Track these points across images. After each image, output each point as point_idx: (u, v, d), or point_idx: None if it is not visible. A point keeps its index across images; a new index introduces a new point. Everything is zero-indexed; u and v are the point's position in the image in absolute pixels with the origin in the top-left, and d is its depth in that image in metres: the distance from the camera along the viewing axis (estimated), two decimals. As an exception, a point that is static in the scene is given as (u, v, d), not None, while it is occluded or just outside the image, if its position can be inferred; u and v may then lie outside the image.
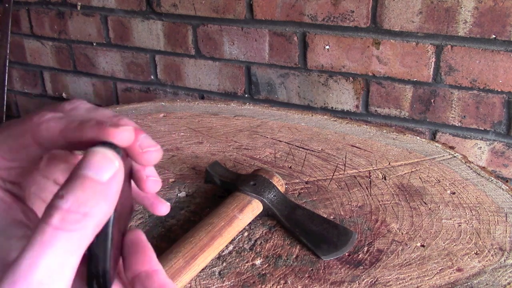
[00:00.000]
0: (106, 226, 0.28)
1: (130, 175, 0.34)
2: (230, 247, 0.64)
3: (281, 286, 0.57)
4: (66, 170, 0.39)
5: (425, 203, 0.73)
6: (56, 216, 0.26)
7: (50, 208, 0.26)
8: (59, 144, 0.32)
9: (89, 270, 0.28)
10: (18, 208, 0.35)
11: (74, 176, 0.27)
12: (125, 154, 0.31)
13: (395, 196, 0.75)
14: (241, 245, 0.64)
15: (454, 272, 0.59)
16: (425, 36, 1.15)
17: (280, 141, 0.93)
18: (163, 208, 0.40)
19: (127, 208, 0.34)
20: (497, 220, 0.69)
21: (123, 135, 0.30)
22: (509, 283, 0.57)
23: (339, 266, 0.60)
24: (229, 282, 0.58)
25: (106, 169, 0.28)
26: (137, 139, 0.32)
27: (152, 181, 0.35)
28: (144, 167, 0.35)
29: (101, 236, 0.28)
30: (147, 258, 0.32)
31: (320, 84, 1.31)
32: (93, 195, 0.27)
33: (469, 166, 0.83)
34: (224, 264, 0.61)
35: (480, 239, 0.65)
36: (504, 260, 0.61)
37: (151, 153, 0.32)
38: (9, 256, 0.31)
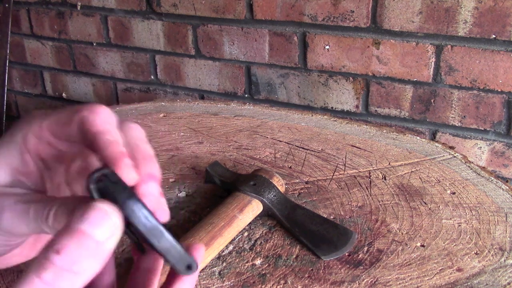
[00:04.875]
0: None
1: None
2: (230, 247, 0.64)
3: (281, 286, 0.57)
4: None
5: (425, 203, 0.73)
6: (49, 271, 0.25)
7: (44, 259, 0.26)
8: (88, 141, 0.33)
9: None
10: (35, 178, 0.36)
11: (71, 229, 0.27)
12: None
13: (395, 196, 0.75)
14: (241, 245, 0.64)
15: (454, 272, 0.59)
16: (425, 36, 1.15)
17: (280, 141, 0.93)
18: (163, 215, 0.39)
19: None
20: (497, 220, 0.69)
21: (130, 174, 0.31)
22: (509, 283, 0.57)
23: (339, 266, 0.60)
24: (229, 282, 0.58)
25: (104, 227, 0.27)
26: (146, 181, 0.33)
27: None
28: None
29: None
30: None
31: (320, 84, 1.31)
32: (87, 254, 0.26)
33: (469, 166, 0.83)
34: (224, 264, 0.61)
35: (480, 239, 0.65)
36: (504, 260, 0.61)
37: (149, 199, 0.33)
38: None
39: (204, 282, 0.58)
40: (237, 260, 0.62)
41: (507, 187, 0.76)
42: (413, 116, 1.24)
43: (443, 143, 0.92)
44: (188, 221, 0.69)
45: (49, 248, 0.26)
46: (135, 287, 0.35)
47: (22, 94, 1.87)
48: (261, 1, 1.28)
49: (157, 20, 1.45)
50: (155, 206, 0.34)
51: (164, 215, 0.35)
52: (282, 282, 0.58)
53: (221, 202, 0.67)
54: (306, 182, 0.79)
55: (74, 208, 0.32)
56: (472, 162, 0.84)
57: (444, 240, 0.65)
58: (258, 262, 0.61)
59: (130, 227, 0.32)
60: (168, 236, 0.32)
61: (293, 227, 0.66)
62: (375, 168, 0.83)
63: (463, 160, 0.85)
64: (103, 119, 0.34)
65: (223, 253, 0.62)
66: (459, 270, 0.60)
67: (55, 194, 0.40)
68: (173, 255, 0.32)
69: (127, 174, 0.31)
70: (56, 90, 1.77)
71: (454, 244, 0.64)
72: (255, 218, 0.68)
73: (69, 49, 1.66)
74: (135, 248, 0.33)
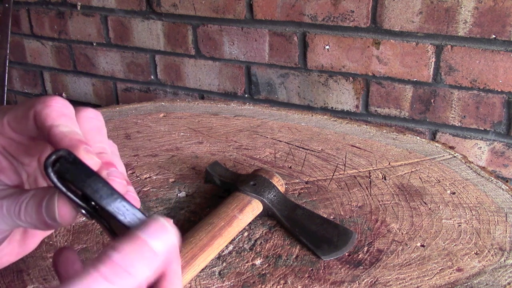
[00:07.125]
0: None
1: None
2: (230, 247, 0.64)
3: (281, 286, 0.57)
4: None
5: (425, 203, 0.73)
6: (106, 264, 0.27)
7: (103, 255, 0.27)
8: (45, 136, 0.33)
9: None
10: (9, 173, 0.36)
11: (133, 235, 0.29)
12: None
13: (395, 196, 0.75)
14: (241, 245, 0.64)
15: (454, 272, 0.59)
16: (425, 36, 1.15)
17: (280, 141, 0.93)
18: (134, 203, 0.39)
19: None
20: (497, 220, 0.69)
21: (92, 159, 0.32)
22: (509, 283, 0.57)
23: (339, 266, 0.60)
24: (229, 282, 0.58)
25: (162, 240, 0.29)
26: (107, 168, 0.34)
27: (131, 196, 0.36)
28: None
29: None
30: None
31: (320, 84, 1.31)
32: (143, 260, 0.28)
33: (469, 166, 0.83)
34: (224, 264, 0.61)
35: (480, 239, 0.65)
36: (504, 260, 0.61)
37: (114, 182, 0.33)
38: None
39: (204, 282, 0.58)
40: (237, 260, 0.61)
41: (507, 187, 0.76)
42: (413, 116, 1.24)
43: (443, 143, 0.92)
44: (188, 221, 0.69)
45: (109, 247, 0.28)
46: None
47: (22, 94, 1.87)
48: (261, 1, 1.28)
49: (157, 20, 1.45)
50: (122, 191, 0.34)
51: (135, 202, 0.35)
52: (282, 282, 0.58)
53: (221, 202, 0.67)
54: (306, 182, 0.79)
55: (41, 200, 0.32)
56: (472, 162, 0.84)
57: (444, 240, 0.65)
58: (258, 262, 0.61)
59: (97, 210, 0.31)
60: (135, 211, 0.31)
61: (293, 227, 0.66)
62: (375, 168, 0.83)
63: (463, 160, 0.85)
64: (57, 112, 0.34)
65: (223, 253, 0.62)
66: (459, 270, 0.60)
67: (32, 187, 0.40)
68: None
69: (88, 160, 0.32)
70: (56, 90, 1.77)
71: (454, 244, 0.64)
72: (255, 218, 0.68)
73: (69, 49, 1.66)
74: (107, 233, 0.33)
